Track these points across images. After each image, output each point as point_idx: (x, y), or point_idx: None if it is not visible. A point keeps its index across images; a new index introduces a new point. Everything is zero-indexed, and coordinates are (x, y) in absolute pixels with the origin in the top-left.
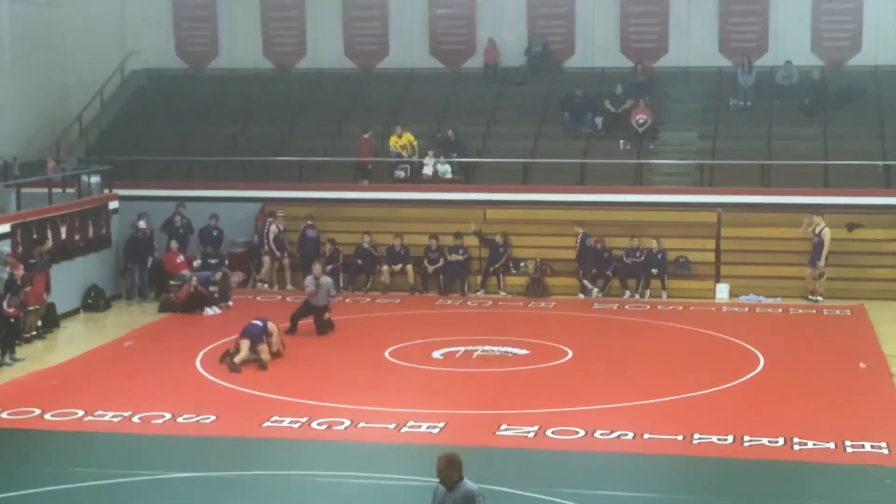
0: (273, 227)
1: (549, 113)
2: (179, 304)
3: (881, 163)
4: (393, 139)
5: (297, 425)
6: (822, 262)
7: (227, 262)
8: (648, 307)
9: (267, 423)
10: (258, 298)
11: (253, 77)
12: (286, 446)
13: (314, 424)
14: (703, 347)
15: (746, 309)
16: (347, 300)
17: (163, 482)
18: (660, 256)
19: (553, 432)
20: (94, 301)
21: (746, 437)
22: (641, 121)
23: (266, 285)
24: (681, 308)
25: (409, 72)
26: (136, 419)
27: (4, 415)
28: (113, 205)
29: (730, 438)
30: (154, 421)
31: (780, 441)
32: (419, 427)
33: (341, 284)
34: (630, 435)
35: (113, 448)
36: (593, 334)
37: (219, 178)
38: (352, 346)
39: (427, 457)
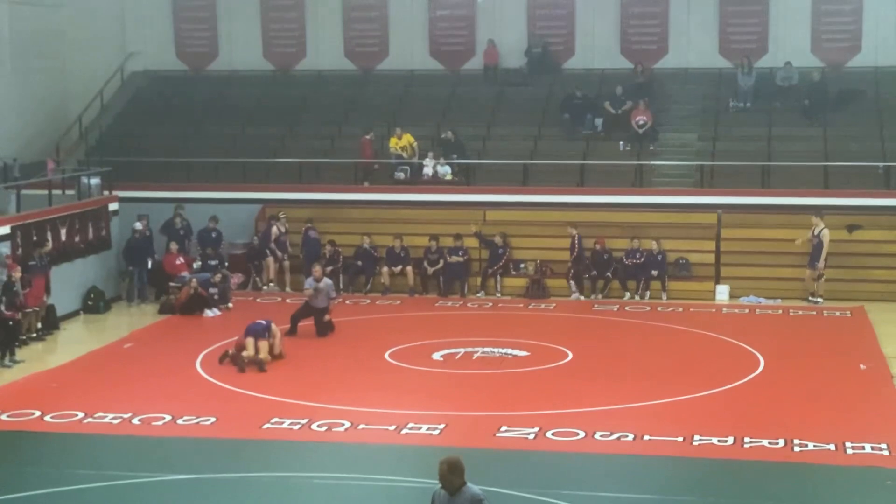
0: (274, 229)
1: (548, 114)
2: (179, 306)
3: (881, 164)
4: (393, 140)
5: (297, 427)
6: (821, 264)
7: (226, 264)
8: (648, 308)
9: (267, 425)
10: (258, 300)
11: (253, 78)
12: (286, 448)
13: (314, 426)
14: (703, 349)
15: (746, 310)
16: (347, 301)
17: (163, 484)
18: (660, 258)
19: (553, 434)
20: (94, 303)
21: (747, 439)
22: (641, 122)
23: (274, 285)
24: (681, 309)
25: (408, 73)
26: (136, 421)
27: (4, 416)
28: (113, 206)
29: (730, 440)
30: (154, 423)
31: (781, 442)
32: (419, 429)
33: (341, 286)
34: (630, 436)
35: (113, 450)
36: (593, 336)
37: (218, 179)
38: (352, 347)
39: (427, 458)
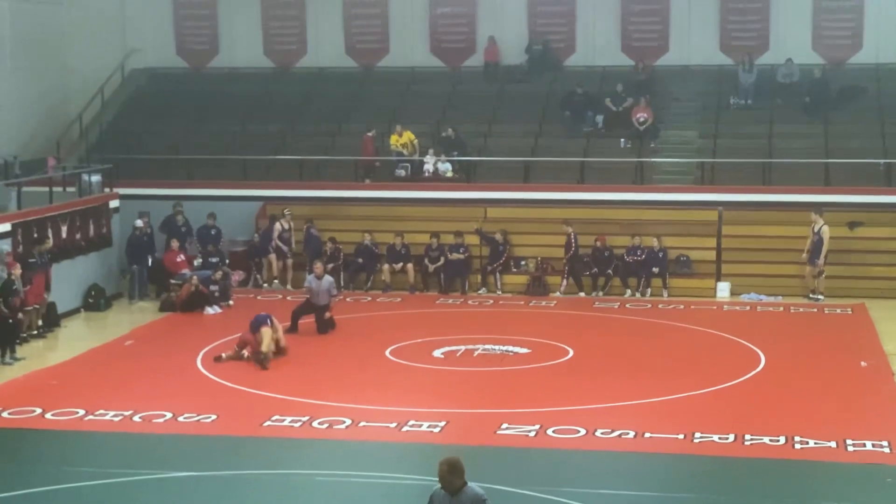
0: (277, 225)
1: (549, 111)
2: (180, 304)
3: (882, 161)
4: (394, 138)
5: (298, 424)
6: (821, 261)
7: (227, 261)
8: (649, 306)
9: (268, 423)
10: (259, 297)
11: (253, 76)
12: (287, 445)
13: (315, 424)
14: (703, 346)
15: (747, 307)
16: (348, 299)
17: (163, 481)
18: (661, 255)
19: (554, 431)
20: (95, 300)
21: (747, 436)
22: (642, 119)
23: (277, 282)
24: (682, 307)
25: (409, 70)
26: (136, 418)
27: (5, 414)
28: (114, 204)
29: (731, 437)
30: (155, 420)
31: (782, 440)
32: (420, 426)
33: (342, 283)
34: (631, 434)
35: (114, 447)
36: (594, 333)
37: (219, 176)
38: (352, 345)
39: (428, 456)
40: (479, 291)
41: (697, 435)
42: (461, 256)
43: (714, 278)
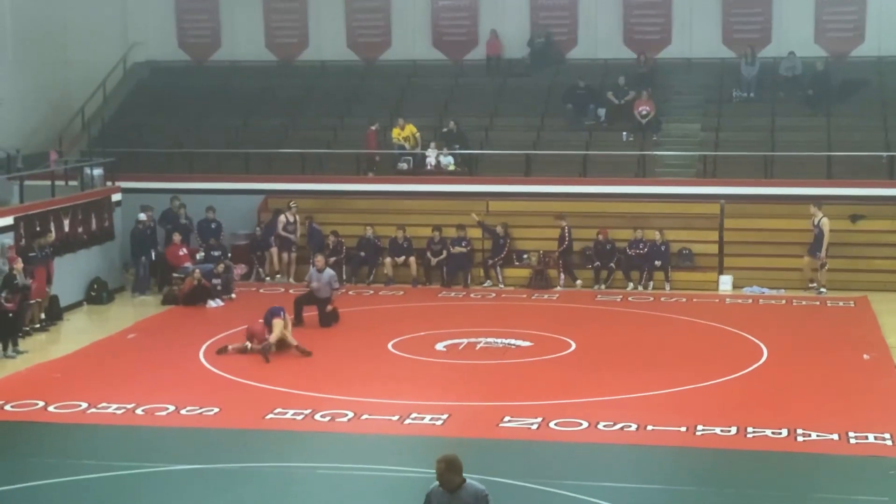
0: (282, 217)
1: (551, 104)
2: (182, 297)
3: (885, 154)
4: (396, 131)
5: (301, 417)
6: (822, 253)
7: (229, 255)
8: (652, 299)
9: (270, 416)
10: (261, 291)
11: (255, 69)
12: (289, 438)
13: (317, 416)
14: (706, 339)
15: (750, 300)
16: (350, 292)
17: (166, 474)
18: (663, 248)
19: (556, 424)
20: (98, 293)
21: (750, 429)
22: (644, 112)
23: (280, 276)
24: (684, 300)
25: (411, 64)
26: (139, 411)
27: (8, 407)
28: (116, 197)
29: (733, 430)
30: (157, 413)
31: (784, 432)
32: (422, 419)
33: (344, 276)
34: (633, 427)
35: (116, 440)
36: (596, 326)
37: (221, 170)
38: (355, 338)
39: (430, 449)
40: (485, 284)
41: (700, 428)
42: (463, 250)
43: (716, 271)
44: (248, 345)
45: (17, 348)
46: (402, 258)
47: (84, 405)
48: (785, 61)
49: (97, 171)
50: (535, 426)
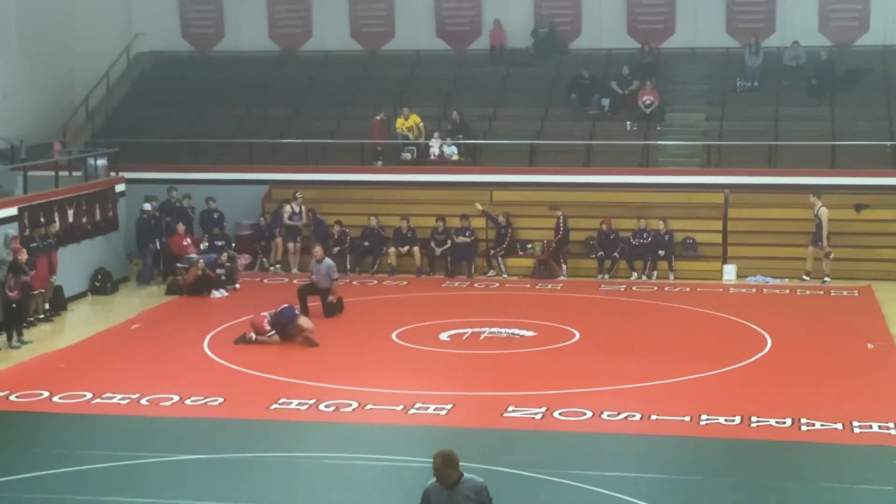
0: (287, 208)
1: (555, 94)
2: (187, 287)
3: (889, 143)
4: (399, 121)
5: (305, 407)
6: (824, 243)
7: (233, 245)
8: (655, 288)
9: (274, 406)
10: (265, 281)
11: (259, 59)
12: (294, 428)
13: (322, 406)
14: (710, 328)
15: (753, 290)
16: (354, 282)
17: (171, 464)
18: (667, 238)
19: (560, 414)
20: (102, 284)
21: (754, 418)
22: (648, 102)
23: (280, 266)
24: (688, 289)
25: (415, 54)
26: (144, 401)
27: (13, 397)
28: (120, 188)
29: (737, 419)
30: (162, 403)
31: (788, 422)
32: (427, 409)
33: (348, 266)
34: (637, 416)
35: (121, 430)
36: (600, 316)
37: (225, 160)
38: (359, 328)
39: (435, 439)
40: (489, 274)
41: (704, 417)
42: (467, 240)
43: (720, 261)
44: (253, 336)
45: (22, 338)
46: (406, 248)
47: (88, 395)
48: (789, 51)
49: (101, 162)
50: (539, 416)
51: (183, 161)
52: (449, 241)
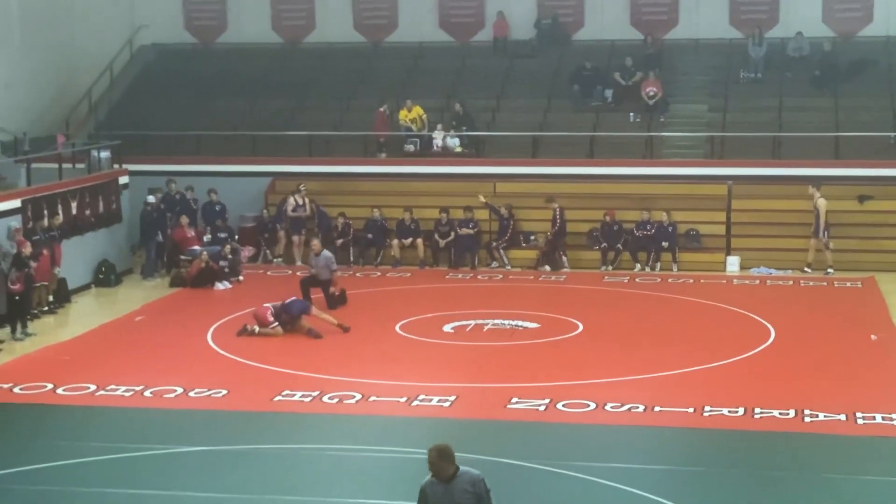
0: (291, 200)
1: (558, 86)
2: (190, 279)
3: (892, 134)
4: (402, 113)
5: (309, 399)
6: (822, 234)
7: (236, 237)
8: (659, 280)
9: (278, 397)
10: (268, 273)
11: (262, 51)
12: (297, 420)
13: (325, 398)
14: (713, 320)
15: (757, 281)
16: (358, 274)
17: (174, 456)
18: (670, 229)
19: (564, 405)
20: (106, 276)
21: (757, 410)
22: (651, 93)
23: (282, 259)
24: (691, 281)
25: (418, 45)
26: (147, 393)
27: (17, 389)
28: (123, 180)
29: (741, 411)
30: (166, 395)
31: (791, 413)
32: (430, 401)
33: (351, 259)
34: (641, 408)
35: (125, 422)
36: (604, 307)
37: (228, 152)
38: (362, 319)
39: (438, 430)
40: (492, 265)
41: (707, 408)
42: (471, 231)
43: (724, 252)
44: (256, 328)
45: (26, 331)
46: (410, 240)
47: (92, 387)
48: (792, 42)
49: (104, 154)
50: (542, 407)
51: (186, 153)
52: (452, 233)
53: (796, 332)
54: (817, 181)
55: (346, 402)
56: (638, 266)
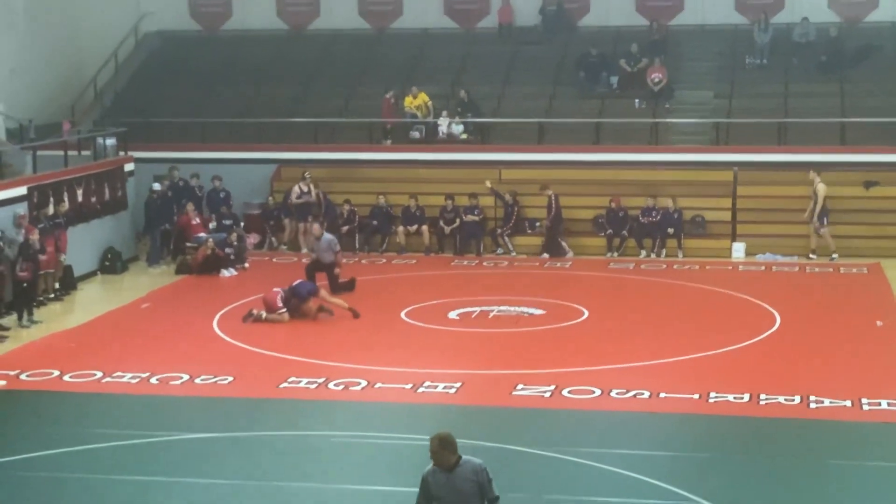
0: (296, 188)
1: (563, 72)
2: (196, 266)
3: None
4: (408, 100)
5: (314, 386)
6: (814, 219)
7: (241, 224)
8: (664, 266)
9: (284, 384)
10: (274, 260)
11: (267, 38)
12: (303, 407)
13: (331, 385)
14: (719, 306)
15: (763, 268)
16: (363, 261)
17: (180, 442)
18: (676, 216)
19: (569, 392)
20: (112, 263)
21: (763, 396)
22: (657, 79)
23: (286, 246)
24: (697, 267)
25: (423, 32)
26: (154, 380)
27: (24, 376)
28: (129, 167)
29: (746, 397)
30: (172, 382)
31: (797, 399)
32: (436, 387)
33: (357, 245)
34: (646, 394)
35: (131, 409)
36: (609, 294)
37: (233, 139)
38: (368, 306)
39: (444, 417)
40: (498, 252)
41: (712, 395)
42: (476, 218)
43: (729, 238)
44: (263, 313)
45: (32, 318)
46: (415, 227)
47: (99, 374)
48: (798, 27)
49: (110, 141)
50: (548, 394)
51: (191, 140)
52: (458, 220)
53: (802, 318)
54: (823, 167)
55: (351, 388)
56: (643, 252)
